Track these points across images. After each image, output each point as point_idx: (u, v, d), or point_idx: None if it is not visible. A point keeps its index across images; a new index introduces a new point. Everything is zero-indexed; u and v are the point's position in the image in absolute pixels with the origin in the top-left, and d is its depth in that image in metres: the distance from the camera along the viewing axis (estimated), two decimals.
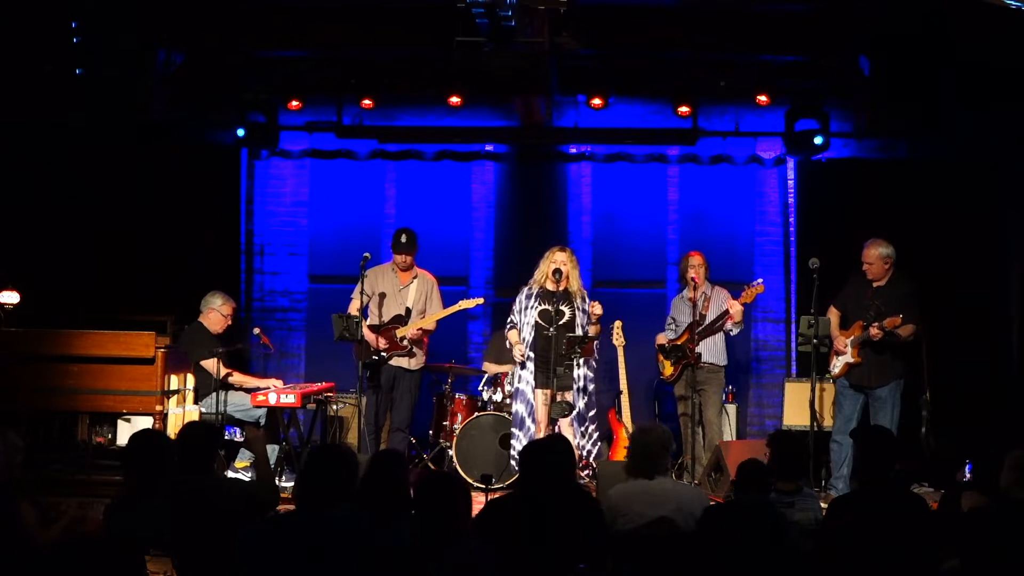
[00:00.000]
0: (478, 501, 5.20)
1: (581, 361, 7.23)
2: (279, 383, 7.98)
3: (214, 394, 7.46)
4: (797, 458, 5.27)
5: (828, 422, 7.94)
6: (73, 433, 7.48)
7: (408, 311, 7.95)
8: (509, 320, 7.55)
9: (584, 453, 7.24)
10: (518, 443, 7.30)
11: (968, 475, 7.30)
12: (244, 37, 8.39)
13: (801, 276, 8.93)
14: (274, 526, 4.13)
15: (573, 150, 9.64)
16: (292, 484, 7.01)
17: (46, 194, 9.14)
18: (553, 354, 7.13)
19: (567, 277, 7.33)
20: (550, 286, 7.32)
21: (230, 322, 8.13)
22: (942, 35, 7.44)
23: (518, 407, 7.38)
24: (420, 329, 7.90)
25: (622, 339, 7.91)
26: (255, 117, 9.07)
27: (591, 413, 7.38)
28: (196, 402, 7.76)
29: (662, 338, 8.12)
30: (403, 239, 7.98)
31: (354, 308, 7.79)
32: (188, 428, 5.19)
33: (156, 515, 4.32)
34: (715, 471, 7.33)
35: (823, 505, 5.19)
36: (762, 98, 8.79)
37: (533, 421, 7.31)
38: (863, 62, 8.27)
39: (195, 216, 9.28)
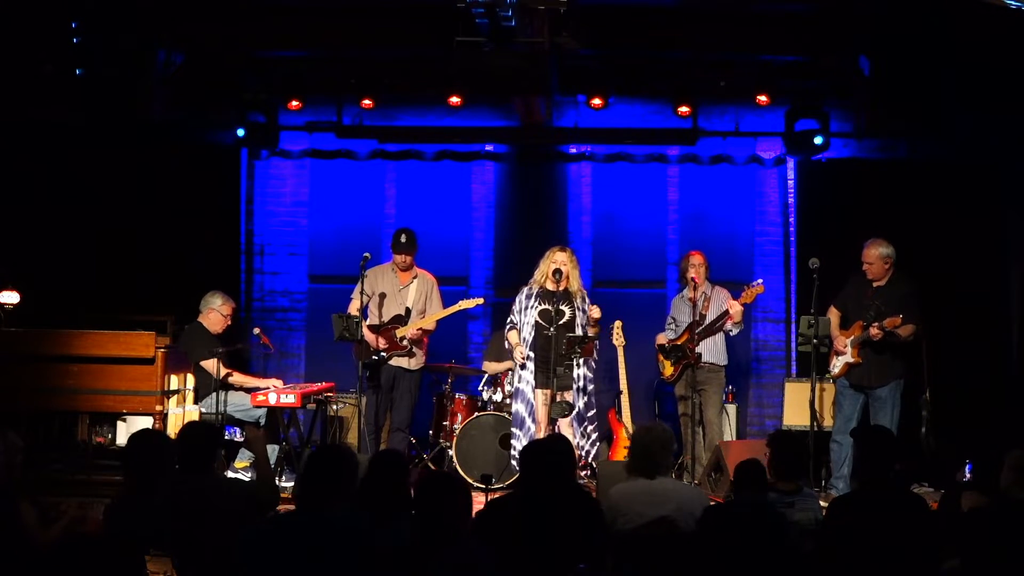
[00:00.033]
0: (478, 501, 5.21)
1: (581, 361, 7.23)
2: (279, 383, 7.97)
3: (214, 394, 7.46)
4: (797, 458, 5.27)
5: (828, 422, 7.94)
6: (73, 433, 7.48)
7: (408, 311, 7.95)
8: (509, 320, 7.55)
9: (583, 453, 7.24)
10: (518, 443, 7.30)
11: (968, 475, 7.30)
12: (244, 37, 8.39)
13: (801, 276, 8.93)
14: (274, 526, 4.13)
15: (573, 150, 9.64)
16: (292, 484, 7.04)
17: (46, 194, 9.14)
18: (553, 354, 7.13)
19: (567, 277, 7.33)
20: (550, 286, 7.32)
21: (230, 322, 8.13)
22: (942, 35, 7.44)
23: (518, 407, 7.38)
24: (420, 329, 7.90)
25: (622, 339, 7.91)
26: (255, 117, 9.07)
27: (590, 413, 7.38)
28: (196, 402, 7.76)
29: (662, 338, 8.13)
30: (403, 239, 7.98)
31: (354, 308, 7.79)
32: (188, 428, 5.19)
33: (156, 515, 4.32)
34: (715, 471, 7.33)
35: (823, 504, 5.19)
36: (762, 98, 8.79)
37: (533, 421, 7.31)
38: (863, 62, 8.27)
39: (195, 216, 9.28)
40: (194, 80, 8.83)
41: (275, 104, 9.11)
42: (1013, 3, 6.44)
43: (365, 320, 7.72)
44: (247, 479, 7.19)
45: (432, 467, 8.05)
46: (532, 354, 7.33)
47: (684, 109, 8.99)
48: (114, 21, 7.73)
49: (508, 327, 7.54)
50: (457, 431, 7.84)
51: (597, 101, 8.88)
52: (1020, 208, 8.79)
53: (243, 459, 7.65)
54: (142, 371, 7.30)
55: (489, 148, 9.64)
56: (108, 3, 7.70)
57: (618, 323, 7.97)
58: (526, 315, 7.41)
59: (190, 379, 7.74)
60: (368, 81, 9.04)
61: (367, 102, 9.07)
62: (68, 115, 8.35)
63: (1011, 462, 4.95)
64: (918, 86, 7.79)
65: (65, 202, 9.13)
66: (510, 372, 7.71)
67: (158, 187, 9.29)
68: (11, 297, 8.19)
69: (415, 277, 8.07)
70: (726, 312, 7.70)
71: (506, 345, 7.61)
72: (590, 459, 7.33)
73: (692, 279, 7.87)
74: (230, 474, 7.41)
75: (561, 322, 7.19)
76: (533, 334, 7.34)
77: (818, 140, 8.68)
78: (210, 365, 7.60)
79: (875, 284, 7.56)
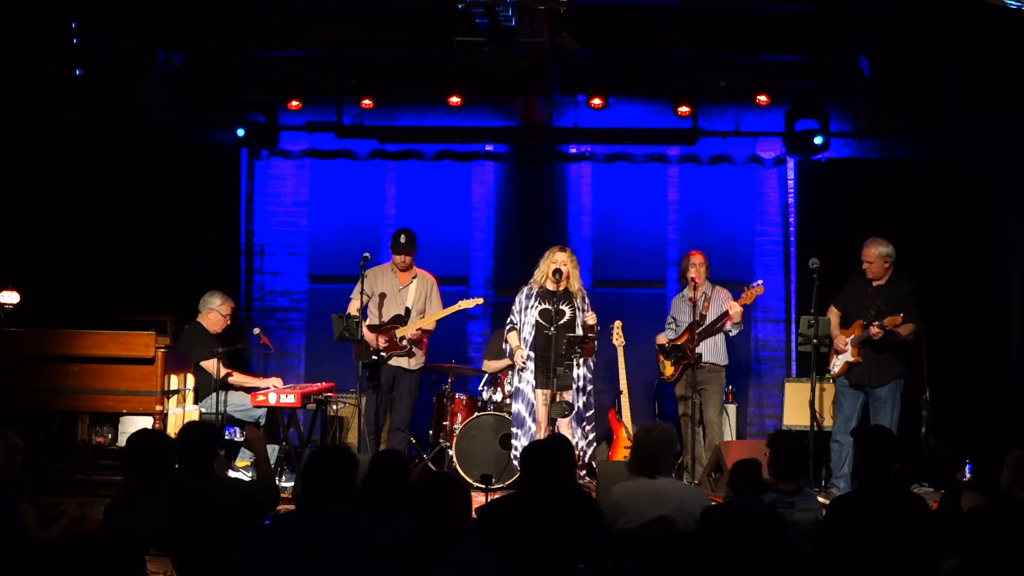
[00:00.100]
0: (478, 501, 5.21)
1: (580, 361, 7.23)
2: (279, 383, 7.97)
3: (214, 394, 7.46)
4: (797, 458, 5.27)
5: (828, 422, 7.94)
6: (73, 433, 7.47)
7: (408, 311, 7.95)
8: (509, 320, 7.55)
9: (580, 453, 7.24)
10: (519, 443, 7.30)
11: (968, 475, 7.30)
12: (244, 37, 8.39)
13: (801, 276, 8.93)
14: (274, 526, 4.13)
15: (573, 150, 9.64)
16: (292, 484, 7.05)
17: (46, 194, 9.14)
18: (553, 354, 7.13)
19: (567, 277, 7.33)
20: (550, 286, 7.32)
21: (229, 322, 8.14)
22: (942, 35, 7.44)
23: (518, 407, 7.38)
24: (420, 329, 7.90)
25: (622, 339, 7.91)
26: (255, 117, 9.06)
27: (589, 413, 7.38)
28: (196, 402, 7.76)
29: (662, 338, 8.13)
30: (402, 239, 7.98)
31: (354, 308, 7.80)
32: (188, 428, 5.19)
33: (156, 515, 4.32)
34: (715, 471, 7.33)
35: (824, 501, 5.19)
36: (762, 98, 8.79)
37: (534, 421, 7.31)
38: (863, 62, 8.28)
39: (195, 216, 9.27)
40: (194, 80, 8.83)
41: (275, 104, 9.10)
42: (1013, 3, 6.44)
43: (365, 320, 7.72)
44: (247, 479, 7.19)
45: (432, 467, 8.05)
46: (532, 354, 7.34)
47: (684, 109, 8.99)
48: (114, 21, 7.73)
49: (508, 327, 7.54)
50: (457, 431, 7.84)
51: (597, 101, 8.87)
52: (1020, 208, 8.78)
53: (244, 458, 7.65)
54: (142, 371, 7.30)
55: (489, 148, 9.64)
56: (108, 3, 7.70)
57: (618, 323, 7.97)
58: (526, 315, 7.41)
59: (190, 379, 7.74)
60: (368, 81, 9.04)
61: (367, 102, 9.07)
62: (68, 115, 8.34)
63: (1011, 462, 4.95)
64: (918, 86, 7.80)
65: (65, 202, 9.13)
66: (510, 371, 7.71)
67: (158, 187, 9.29)
68: (11, 297, 8.19)
69: (415, 277, 8.07)
70: (726, 312, 7.71)
71: (504, 347, 7.61)
72: (587, 459, 7.34)
73: (692, 279, 7.87)
74: (231, 473, 7.41)
75: (561, 322, 7.20)
76: (533, 334, 7.35)
77: (818, 140, 8.67)
78: (210, 365, 7.60)
79: (875, 283, 7.56)
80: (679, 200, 9.50)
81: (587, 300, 7.51)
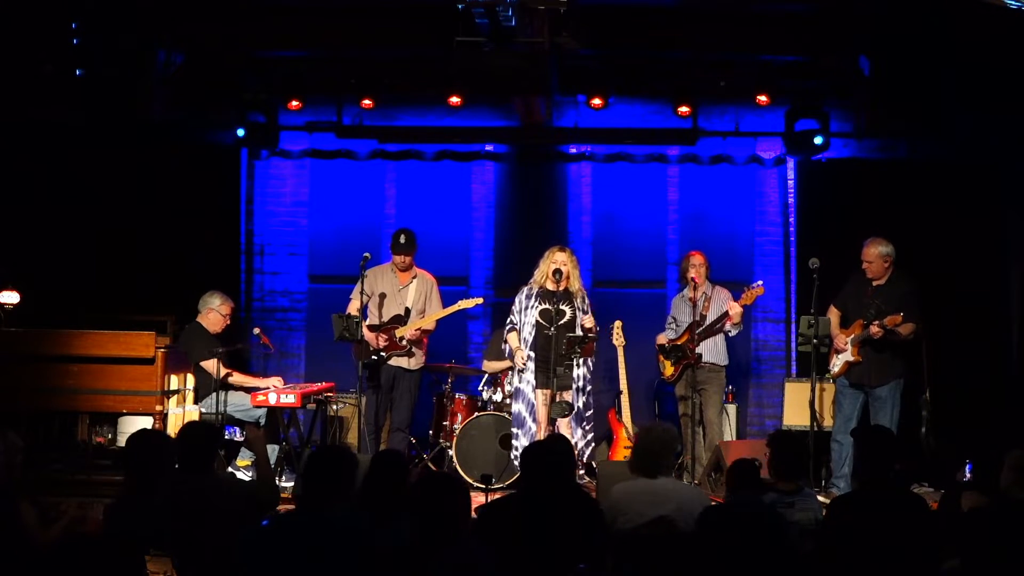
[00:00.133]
0: (478, 501, 5.21)
1: (580, 361, 7.23)
2: (279, 383, 7.97)
3: (214, 394, 7.46)
4: (797, 458, 5.27)
5: (828, 422, 7.94)
6: (73, 433, 7.47)
7: (407, 311, 7.95)
8: (508, 320, 7.55)
9: (578, 453, 7.24)
10: (519, 443, 7.30)
11: (968, 475, 7.30)
12: (244, 37, 8.39)
13: (801, 276, 8.93)
14: (274, 526, 4.13)
15: (573, 150, 9.64)
16: (292, 484, 7.05)
17: (46, 194, 9.13)
18: (553, 354, 7.13)
19: (567, 277, 7.33)
20: (550, 286, 7.32)
21: (229, 322, 8.13)
22: (942, 35, 7.44)
23: (519, 407, 7.38)
24: (419, 329, 7.90)
25: (622, 339, 7.91)
26: (255, 117, 9.06)
27: (588, 413, 7.38)
28: (196, 402, 7.76)
29: (662, 338, 8.13)
30: (402, 240, 7.98)
31: (353, 308, 7.80)
32: (188, 428, 5.19)
33: (156, 515, 4.32)
34: (715, 471, 7.33)
35: (824, 501, 5.19)
36: (762, 98, 8.79)
37: (534, 421, 7.31)
38: (863, 62, 8.27)
39: (195, 216, 9.27)
40: (194, 80, 8.83)
41: (275, 104, 9.10)
42: (1013, 3, 6.44)
43: (365, 320, 7.72)
44: (247, 478, 7.19)
45: (432, 467, 8.05)
46: (532, 354, 7.34)
47: (684, 109, 8.99)
48: (114, 21, 7.73)
49: (508, 328, 7.54)
50: (457, 431, 7.84)
51: (597, 101, 8.87)
52: (1020, 208, 8.79)
53: (244, 458, 7.65)
54: (142, 371, 7.30)
55: (489, 148, 9.64)
56: (108, 3, 7.70)
57: (618, 323, 7.97)
58: (526, 315, 7.41)
59: (190, 379, 7.74)
60: (368, 81, 9.04)
61: (367, 102, 9.07)
62: (68, 115, 8.34)
63: (1011, 462, 4.95)
64: (918, 86, 7.80)
65: (65, 202, 9.13)
66: (510, 371, 7.71)
67: (158, 187, 9.29)
68: (11, 297, 8.19)
69: (415, 277, 8.07)
70: (726, 313, 7.71)
71: (504, 347, 7.61)
72: (585, 459, 7.34)
73: (692, 279, 7.87)
74: (230, 470, 7.41)
75: (561, 322, 7.20)
76: (533, 334, 7.35)
77: (818, 140, 8.68)
78: (210, 365, 7.60)
79: (875, 283, 7.57)
80: (679, 200, 9.50)
81: (587, 300, 7.52)
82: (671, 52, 8.73)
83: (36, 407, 7.39)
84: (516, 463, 7.18)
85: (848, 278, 7.74)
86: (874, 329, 7.32)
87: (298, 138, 9.61)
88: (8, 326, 7.94)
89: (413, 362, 7.96)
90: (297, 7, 8.18)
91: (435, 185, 9.62)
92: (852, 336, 7.53)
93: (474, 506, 4.29)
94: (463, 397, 8.29)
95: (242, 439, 7.75)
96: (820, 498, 5.59)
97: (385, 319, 7.95)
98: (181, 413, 7.54)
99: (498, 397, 8.19)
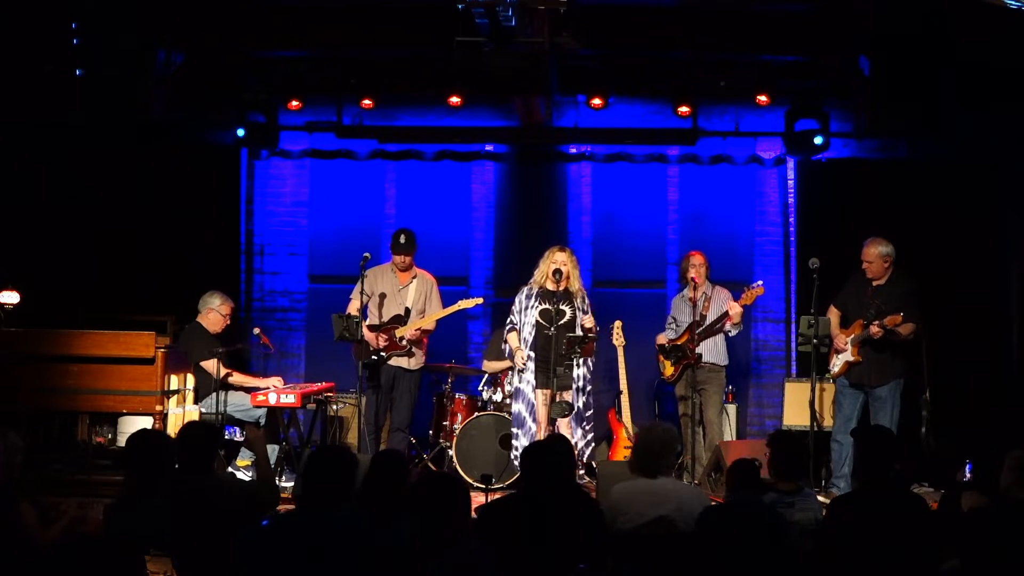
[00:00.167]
0: (478, 501, 5.21)
1: (580, 361, 7.23)
2: (279, 383, 7.97)
3: (214, 394, 7.46)
4: (797, 458, 5.27)
5: (828, 422, 7.94)
6: (73, 433, 7.47)
7: (407, 311, 7.95)
8: (508, 320, 7.55)
9: (578, 453, 7.24)
10: (519, 443, 7.30)
11: (968, 475, 7.30)
12: (244, 37, 8.39)
13: (801, 276, 8.93)
14: (274, 526, 4.13)
15: (573, 150, 9.64)
16: (292, 484, 7.05)
17: (46, 194, 9.14)
18: (553, 354, 7.13)
19: (567, 277, 7.33)
20: (550, 286, 7.33)
21: (228, 322, 8.13)
22: (942, 35, 7.44)
23: (519, 407, 7.38)
24: (419, 329, 7.90)
25: (622, 339, 7.91)
26: (255, 117, 9.06)
27: (588, 413, 7.39)
28: (196, 402, 7.76)
29: (662, 338, 8.13)
30: (402, 240, 7.98)
31: (353, 308, 7.80)
32: (188, 428, 5.19)
33: (156, 515, 4.32)
34: (715, 471, 7.33)
35: (824, 501, 5.19)
36: (762, 98, 8.79)
37: (534, 421, 7.31)
38: (863, 62, 8.27)
39: (195, 216, 9.27)
40: (194, 80, 8.83)
41: (275, 104, 9.10)
42: (1013, 3, 6.44)
43: (365, 320, 7.72)
44: (247, 478, 7.19)
45: (432, 467, 8.05)
46: (532, 354, 7.34)
47: (684, 109, 8.99)
48: (114, 21, 7.73)
49: (508, 328, 7.54)
50: (457, 431, 7.84)
51: (597, 101, 8.87)
52: (1020, 208, 8.79)
53: (244, 457, 7.65)
54: (142, 371, 7.30)
55: (489, 148, 9.64)
56: (108, 3, 7.70)
57: (618, 323, 7.97)
58: (526, 315, 7.41)
59: (190, 379, 7.74)
60: (368, 81, 9.04)
61: (367, 102, 9.07)
62: (68, 115, 8.34)
63: (1011, 462, 4.95)
64: (918, 86, 7.80)
65: (65, 202, 9.13)
66: (510, 371, 7.71)
67: (158, 187, 9.29)
68: (11, 297, 8.19)
69: (414, 277, 8.07)
70: (726, 313, 7.71)
71: (503, 347, 7.61)
72: (585, 459, 7.34)
73: (692, 279, 7.87)
74: (230, 470, 7.41)
75: (562, 322, 7.20)
76: (534, 334, 7.35)
77: (818, 140, 8.68)
78: (210, 365, 7.60)
79: (875, 283, 7.57)
80: (679, 200, 9.50)
81: (587, 300, 7.52)
82: (671, 52, 8.73)
83: (36, 407, 7.38)
84: (516, 463, 7.18)
85: (848, 278, 7.74)
86: (874, 329, 7.32)
87: (298, 138, 9.61)
88: (8, 326, 7.94)
89: (413, 362, 7.96)
90: (297, 7, 8.18)
91: (435, 185, 9.62)
92: (852, 336, 7.53)
93: (474, 506, 4.30)
94: (463, 397, 8.29)
95: (242, 439, 7.75)
96: (820, 498, 5.59)
97: (385, 319, 7.95)
98: (181, 413, 7.54)
99: (498, 397, 8.19)
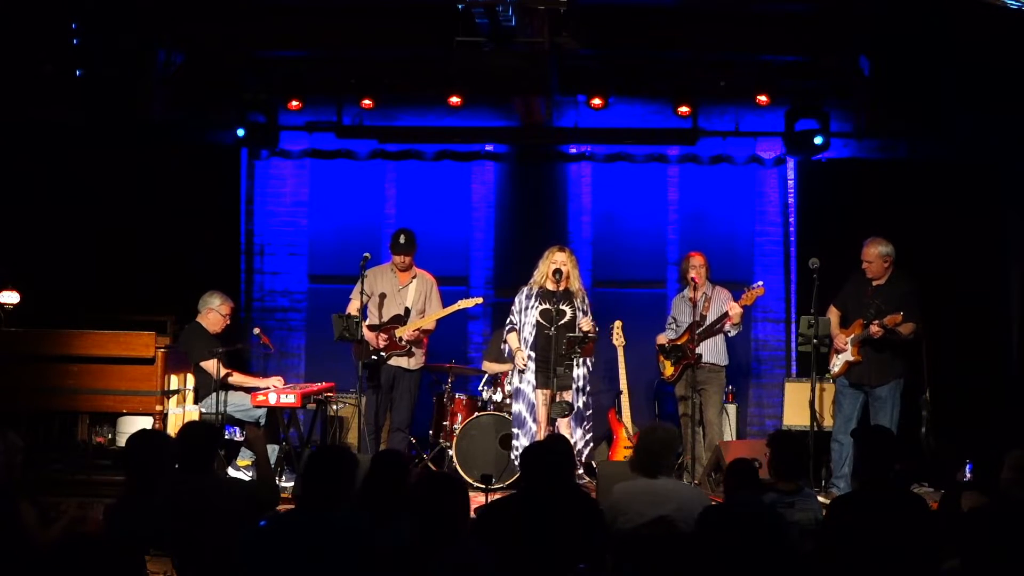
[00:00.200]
0: (478, 501, 5.21)
1: (580, 361, 7.24)
2: (279, 383, 7.97)
3: (214, 394, 7.46)
4: (797, 458, 5.27)
5: (828, 422, 7.94)
6: (73, 433, 7.48)
7: (407, 311, 7.95)
8: (508, 321, 7.55)
9: (578, 453, 7.24)
10: (519, 443, 7.30)
11: (968, 475, 7.30)
12: (244, 37, 8.39)
13: (801, 276, 8.93)
14: (274, 526, 4.13)
15: (573, 150, 9.64)
16: (292, 484, 7.05)
17: (46, 194, 9.14)
18: (553, 354, 7.13)
19: (567, 277, 7.34)
20: (550, 286, 7.33)
21: (228, 322, 8.13)
22: (942, 35, 7.44)
23: (519, 407, 7.38)
24: (419, 329, 7.89)
25: (622, 339, 7.91)
26: (255, 117, 9.06)
27: (588, 413, 7.39)
28: (196, 402, 7.76)
29: (662, 338, 8.13)
30: (402, 240, 7.98)
31: (353, 308, 7.80)
32: (188, 428, 5.19)
33: (156, 515, 4.32)
34: (715, 471, 7.33)
35: (824, 501, 5.19)
36: (762, 98, 8.79)
37: (534, 421, 7.31)
38: (863, 62, 8.28)
39: (195, 216, 9.27)
40: (194, 80, 8.83)
41: (275, 104, 9.10)
42: (1013, 3, 6.44)
43: (365, 320, 7.72)
44: (248, 478, 7.19)
45: (432, 467, 8.05)
46: (532, 354, 7.34)
47: (684, 109, 8.99)
48: (114, 21, 7.73)
49: (508, 328, 7.54)
50: (457, 431, 7.84)
51: (597, 101, 8.87)
52: (1020, 208, 8.79)
53: (245, 457, 7.65)
54: (142, 371, 7.30)
55: (489, 148, 9.64)
56: (108, 3, 7.70)
57: (618, 323, 7.96)
58: (526, 315, 7.41)
59: (190, 379, 7.74)
60: (368, 81, 9.04)
61: (367, 102, 9.07)
62: (68, 115, 8.34)
63: (1011, 462, 4.95)
64: (918, 86, 7.80)
65: (65, 202, 9.13)
66: (510, 372, 7.71)
67: (158, 187, 9.29)
68: (11, 297, 8.19)
69: (414, 277, 8.07)
70: (726, 313, 7.71)
71: (503, 347, 7.61)
72: (585, 459, 7.34)
73: (693, 279, 7.87)
74: (231, 471, 7.41)
75: (562, 322, 7.20)
76: (534, 334, 7.35)
77: (818, 140, 8.68)
78: (210, 365, 7.60)
79: (875, 283, 7.57)
80: (679, 200, 9.50)
81: (587, 300, 7.52)
82: (671, 52, 8.73)
83: (36, 407, 7.39)
84: (516, 463, 7.18)
85: (848, 278, 7.74)
86: (874, 329, 7.32)
87: (298, 138, 9.61)
88: (8, 326, 7.94)
89: (413, 362, 7.96)
90: (297, 7, 8.18)
91: (435, 185, 9.62)
92: (852, 336, 7.53)
93: (474, 506, 4.30)
94: (463, 397, 8.29)
95: (242, 439, 7.75)
96: (820, 498, 5.59)
97: (385, 319, 7.95)
98: (181, 413, 7.54)
99: (498, 397, 8.19)
